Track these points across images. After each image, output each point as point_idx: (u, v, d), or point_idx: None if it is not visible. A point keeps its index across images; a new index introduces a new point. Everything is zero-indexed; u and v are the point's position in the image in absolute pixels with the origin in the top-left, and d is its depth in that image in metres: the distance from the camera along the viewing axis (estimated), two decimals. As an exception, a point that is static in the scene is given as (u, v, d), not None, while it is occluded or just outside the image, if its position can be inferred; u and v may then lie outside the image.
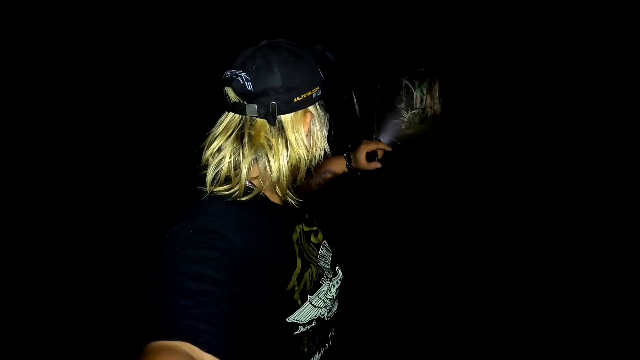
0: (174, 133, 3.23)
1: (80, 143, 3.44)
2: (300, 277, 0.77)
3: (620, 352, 2.23)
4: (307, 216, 0.95)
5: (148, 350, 0.56)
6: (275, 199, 0.82)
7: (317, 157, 0.80)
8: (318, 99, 0.78)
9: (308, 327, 0.80)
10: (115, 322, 2.34)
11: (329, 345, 0.93)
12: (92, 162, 3.47)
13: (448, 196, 3.51)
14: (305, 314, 0.78)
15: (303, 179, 0.79)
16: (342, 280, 0.96)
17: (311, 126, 0.77)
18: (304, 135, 0.76)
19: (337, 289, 0.92)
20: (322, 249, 0.93)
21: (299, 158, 0.76)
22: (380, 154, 1.19)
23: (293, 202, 0.80)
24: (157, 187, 3.19)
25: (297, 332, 0.77)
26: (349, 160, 1.22)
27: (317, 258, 0.88)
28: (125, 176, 3.47)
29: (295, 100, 0.74)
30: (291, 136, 0.74)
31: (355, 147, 1.22)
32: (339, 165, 1.24)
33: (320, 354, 0.89)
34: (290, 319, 0.75)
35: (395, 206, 3.44)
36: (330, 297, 0.88)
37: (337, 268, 0.94)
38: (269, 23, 3.33)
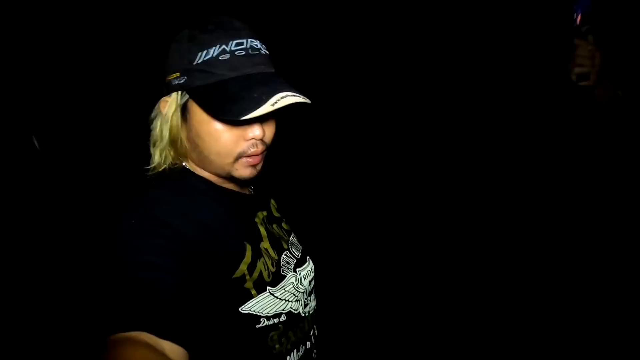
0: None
1: (72, 141, 3.41)
2: (251, 266, 0.74)
3: (621, 352, 2.17)
4: (273, 203, 0.94)
5: (108, 343, 0.56)
6: (229, 185, 0.82)
7: (175, 147, 0.77)
8: (179, 87, 0.71)
9: (275, 320, 0.76)
10: (71, 318, 2.28)
11: (310, 344, 0.89)
12: (82, 160, 3.43)
13: (428, 190, 3.44)
14: (264, 305, 0.75)
15: (213, 164, 0.76)
16: (316, 273, 0.92)
17: (163, 111, 0.75)
18: (166, 119, 0.75)
19: (310, 282, 0.88)
20: (292, 238, 0.91)
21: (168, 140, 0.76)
22: None
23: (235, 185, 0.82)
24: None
25: (260, 326, 0.74)
26: None
27: (283, 248, 0.85)
28: (117, 175, 3.40)
29: (166, 79, 0.74)
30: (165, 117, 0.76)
31: None
32: None
33: (300, 353, 0.84)
34: (245, 309, 0.72)
35: (374, 202, 3.37)
36: (302, 291, 0.84)
37: (307, 258, 0.91)
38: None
